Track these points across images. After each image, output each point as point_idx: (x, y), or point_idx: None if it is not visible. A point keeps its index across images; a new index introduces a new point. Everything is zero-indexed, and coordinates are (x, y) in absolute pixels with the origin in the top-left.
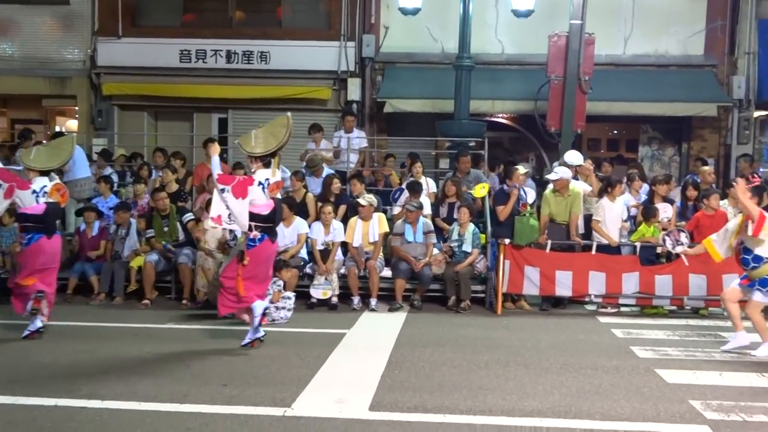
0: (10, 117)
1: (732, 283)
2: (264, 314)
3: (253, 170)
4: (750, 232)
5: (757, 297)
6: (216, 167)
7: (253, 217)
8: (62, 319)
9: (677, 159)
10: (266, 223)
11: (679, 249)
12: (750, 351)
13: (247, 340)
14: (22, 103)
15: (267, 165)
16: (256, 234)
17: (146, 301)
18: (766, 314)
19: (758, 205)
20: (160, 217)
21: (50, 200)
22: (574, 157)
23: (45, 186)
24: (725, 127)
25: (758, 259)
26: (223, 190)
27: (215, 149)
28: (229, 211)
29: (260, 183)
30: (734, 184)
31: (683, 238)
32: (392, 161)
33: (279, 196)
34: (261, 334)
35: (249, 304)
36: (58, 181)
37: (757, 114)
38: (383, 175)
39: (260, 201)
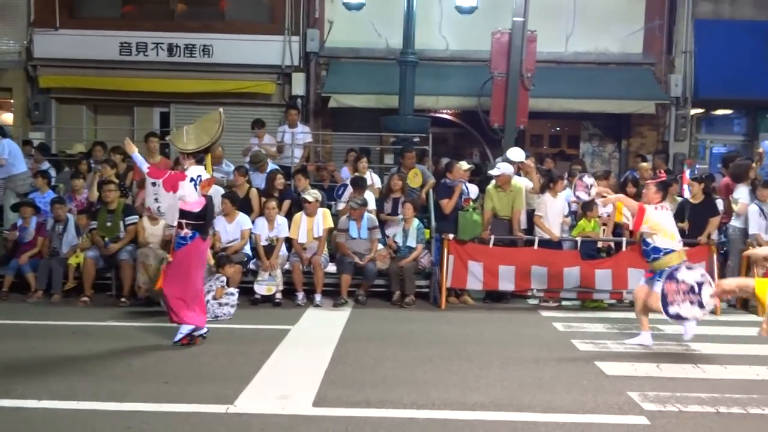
0: None
1: (639, 281)
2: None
3: (185, 167)
4: (631, 226)
5: (658, 288)
6: (142, 163)
7: (184, 214)
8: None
9: (617, 155)
10: (197, 221)
11: (594, 191)
12: (627, 341)
13: (178, 336)
14: None
15: (200, 161)
16: (187, 232)
17: (85, 298)
18: None
19: (662, 199)
20: (106, 211)
21: None
22: (516, 153)
23: None
24: (663, 124)
25: (657, 251)
26: (154, 184)
27: (131, 148)
28: (158, 204)
29: (192, 179)
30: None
31: (587, 179)
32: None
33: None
34: (204, 330)
35: (190, 319)
36: None
37: (693, 111)
38: (328, 171)
39: (191, 198)
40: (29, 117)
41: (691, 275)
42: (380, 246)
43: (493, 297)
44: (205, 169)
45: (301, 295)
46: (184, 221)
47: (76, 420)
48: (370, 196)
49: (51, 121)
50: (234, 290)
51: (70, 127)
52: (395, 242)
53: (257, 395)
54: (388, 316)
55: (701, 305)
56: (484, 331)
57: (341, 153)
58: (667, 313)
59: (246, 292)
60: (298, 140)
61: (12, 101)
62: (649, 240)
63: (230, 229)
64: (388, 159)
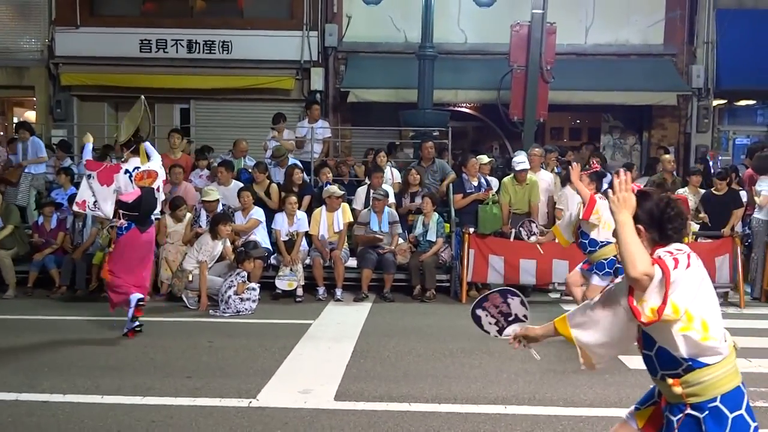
0: None
1: (576, 267)
2: (138, 306)
3: (123, 159)
4: (581, 215)
5: (595, 281)
6: (86, 154)
7: (120, 205)
8: (23, 312)
9: (638, 147)
10: (132, 212)
11: (533, 239)
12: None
13: (124, 330)
14: None
15: (136, 152)
16: (123, 222)
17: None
18: None
19: (597, 191)
20: None
21: None
22: (521, 160)
23: None
24: (685, 115)
25: (594, 243)
26: (89, 176)
27: (88, 138)
28: (94, 198)
29: (127, 171)
30: (571, 168)
31: (534, 228)
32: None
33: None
34: (136, 324)
35: (126, 294)
36: None
37: (715, 103)
38: (348, 166)
39: (126, 189)
40: (51, 114)
41: (517, 307)
42: (401, 240)
43: None
44: (140, 158)
45: (321, 290)
46: (120, 212)
47: (101, 414)
48: (389, 190)
49: (73, 119)
50: (255, 285)
51: (92, 124)
52: (415, 236)
53: (279, 389)
54: (409, 310)
55: (500, 331)
56: None
57: (360, 147)
58: (473, 311)
59: (267, 287)
60: (318, 135)
61: (35, 99)
62: (587, 233)
63: (293, 230)
64: (408, 153)
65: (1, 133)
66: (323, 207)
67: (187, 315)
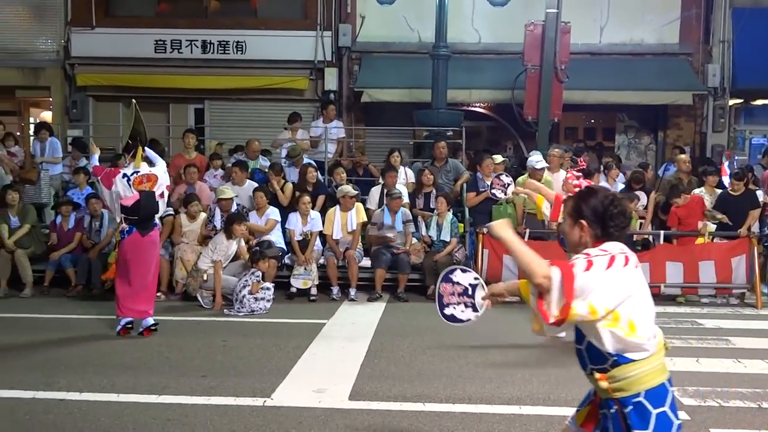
0: None
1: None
2: (150, 329)
3: (127, 164)
4: (548, 217)
5: None
6: (93, 162)
7: (122, 209)
8: (40, 311)
9: (653, 147)
10: (131, 215)
11: (510, 190)
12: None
13: (140, 329)
14: None
15: (133, 156)
16: (124, 226)
17: (156, 325)
18: None
19: None
20: None
21: None
22: (537, 159)
23: None
24: (700, 115)
25: None
26: (98, 180)
27: (94, 150)
28: (102, 201)
29: (125, 175)
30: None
31: (505, 178)
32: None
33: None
34: (151, 323)
35: (133, 311)
36: None
37: (731, 102)
38: (362, 165)
39: (125, 193)
40: (67, 115)
41: (465, 277)
42: (414, 240)
43: None
44: (135, 162)
45: (336, 290)
46: (123, 216)
47: (117, 412)
48: (403, 190)
49: (88, 119)
50: (269, 285)
51: (107, 125)
52: (429, 236)
53: (294, 389)
54: (423, 310)
55: (475, 308)
56: (521, 325)
57: (373, 147)
58: (442, 314)
59: (281, 287)
60: (332, 135)
61: (51, 99)
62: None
63: (261, 222)
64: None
65: (18, 133)
66: (337, 207)
67: (201, 314)
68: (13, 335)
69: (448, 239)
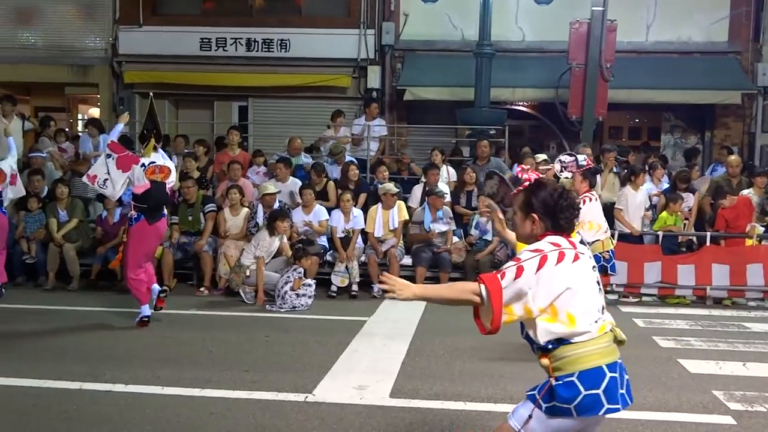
0: (33, 105)
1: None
2: (160, 297)
3: (141, 153)
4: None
5: None
6: (113, 135)
7: (133, 196)
8: (86, 304)
9: (700, 147)
10: (141, 204)
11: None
12: None
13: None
14: (45, 91)
15: (146, 147)
16: (133, 213)
17: (165, 288)
18: None
19: (591, 187)
20: (186, 205)
21: None
22: (581, 158)
23: None
24: (749, 115)
25: (582, 243)
26: (109, 156)
27: (124, 118)
28: (106, 177)
29: (142, 164)
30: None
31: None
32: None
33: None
34: (147, 313)
35: (142, 288)
36: None
37: None
38: (405, 164)
39: (138, 181)
40: (114, 111)
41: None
42: (456, 239)
43: None
44: (145, 153)
45: (376, 287)
46: (133, 203)
47: (161, 405)
48: (445, 189)
49: (134, 116)
50: (311, 281)
51: None
52: (471, 234)
53: (335, 385)
54: (465, 309)
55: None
56: None
57: (416, 146)
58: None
59: (323, 284)
60: (374, 133)
61: (98, 96)
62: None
63: (308, 219)
64: (464, 152)
65: (67, 129)
66: (379, 204)
67: (244, 309)
68: (60, 327)
69: (490, 238)
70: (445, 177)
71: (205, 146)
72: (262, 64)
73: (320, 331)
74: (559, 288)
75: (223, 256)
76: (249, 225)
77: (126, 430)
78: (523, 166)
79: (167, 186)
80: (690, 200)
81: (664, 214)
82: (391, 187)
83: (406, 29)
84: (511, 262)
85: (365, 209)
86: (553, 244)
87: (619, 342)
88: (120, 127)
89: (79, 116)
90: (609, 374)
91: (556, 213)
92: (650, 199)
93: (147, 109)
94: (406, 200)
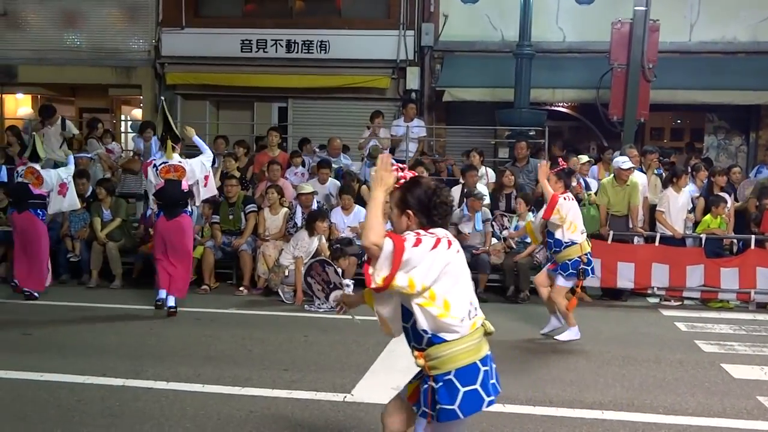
0: (78, 106)
1: (543, 268)
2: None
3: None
4: (541, 214)
5: (560, 281)
6: (154, 153)
7: (154, 194)
8: (128, 302)
9: (745, 149)
10: (159, 201)
11: (505, 233)
12: (555, 336)
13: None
14: (89, 93)
15: (164, 149)
16: (154, 209)
17: (205, 287)
18: None
19: (565, 188)
20: (227, 204)
21: (24, 180)
22: (622, 159)
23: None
24: None
25: (559, 243)
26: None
27: (191, 132)
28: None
29: (155, 165)
30: (539, 165)
31: (506, 222)
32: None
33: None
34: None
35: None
36: (31, 165)
37: None
38: (445, 166)
39: (154, 181)
40: (156, 112)
41: (333, 275)
42: (494, 240)
43: (610, 294)
44: (166, 155)
45: None
46: (155, 200)
47: (202, 402)
48: (484, 190)
49: (177, 117)
50: (349, 282)
51: (194, 122)
52: (510, 239)
53: (373, 385)
54: (502, 311)
55: (327, 297)
56: (601, 328)
57: (455, 147)
58: (305, 278)
59: (361, 284)
60: (413, 134)
61: (141, 97)
62: (553, 232)
63: (348, 221)
64: (503, 153)
65: (110, 130)
66: None
67: (282, 309)
68: (103, 325)
69: (528, 240)
70: (484, 179)
71: (244, 147)
72: (302, 66)
73: (358, 331)
74: (442, 272)
75: (262, 255)
76: (288, 225)
77: (167, 427)
78: (400, 165)
79: (187, 183)
80: (728, 201)
81: (708, 217)
82: None
83: (445, 30)
84: (411, 233)
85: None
86: (445, 233)
87: (488, 334)
88: (150, 146)
89: (122, 117)
90: (482, 369)
91: (431, 210)
92: (692, 201)
93: (160, 115)
94: None
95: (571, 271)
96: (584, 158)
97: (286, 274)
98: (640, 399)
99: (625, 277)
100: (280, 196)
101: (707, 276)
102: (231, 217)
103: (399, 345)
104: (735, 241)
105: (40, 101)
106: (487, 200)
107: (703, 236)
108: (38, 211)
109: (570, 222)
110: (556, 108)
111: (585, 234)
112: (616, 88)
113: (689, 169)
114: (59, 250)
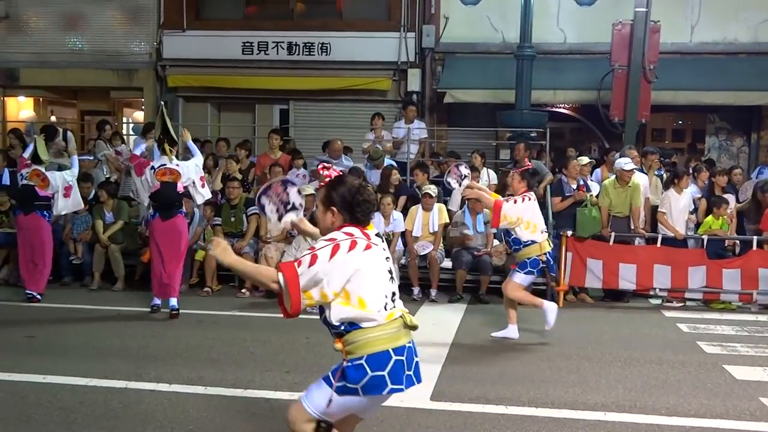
0: (80, 108)
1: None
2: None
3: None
4: (491, 223)
5: (516, 278)
6: (135, 150)
7: (150, 195)
8: (131, 304)
9: (746, 150)
10: (155, 202)
11: (465, 182)
12: (492, 333)
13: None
14: (91, 95)
15: (163, 151)
16: (150, 211)
17: (207, 289)
18: None
19: (528, 188)
20: (229, 206)
21: (29, 182)
22: (625, 160)
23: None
24: None
25: (518, 242)
26: (130, 167)
27: (186, 135)
28: (134, 187)
29: (152, 167)
30: (467, 185)
31: (463, 170)
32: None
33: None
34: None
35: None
36: (36, 167)
37: None
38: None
39: (152, 182)
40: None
41: (294, 196)
42: (496, 242)
43: (612, 296)
44: (168, 156)
45: (417, 290)
46: (150, 202)
47: (204, 404)
48: None
49: (178, 119)
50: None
51: (196, 124)
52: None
53: None
54: (504, 312)
55: (279, 219)
56: (603, 330)
57: (456, 148)
58: (258, 198)
59: None
60: (414, 136)
61: (143, 100)
62: (511, 231)
63: None
64: (504, 155)
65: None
66: (419, 206)
67: None
68: (105, 327)
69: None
70: (486, 180)
71: (246, 149)
72: (303, 68)
73: None
74: (349, 273)
75: (264, 258)
76: (289, 228)
77: (170, 429)
78: (325, 163)
79: (182, 185)
80: (732, 201)
81: (709, 218)
82: (431, 187)
83: (446, 32)
84: (307, 251)
85: (405, 212)
86: (347, 234)
87: (411, 327)
88: (143, 146)
89: (124, 119)
90: (395, 357)
91: (353, 207)
92: (694, 203)
93: (159, 119)
94: (446, 203)
95: (529, 269)
96: (585, 160)
97: None
98: (642, 400)
99: (627, 278)
100: None
101: (709, 277)
102: (233, 219)
103: None
104: (737, 242)
105: (42, 104)
106: None
107: (705, 237)
108: (44, 212)
109: (528, 222)
110: (557, 109)
111: (546, 233)
112: (617, 90)
113: (690, 170)
114: (62, 253)
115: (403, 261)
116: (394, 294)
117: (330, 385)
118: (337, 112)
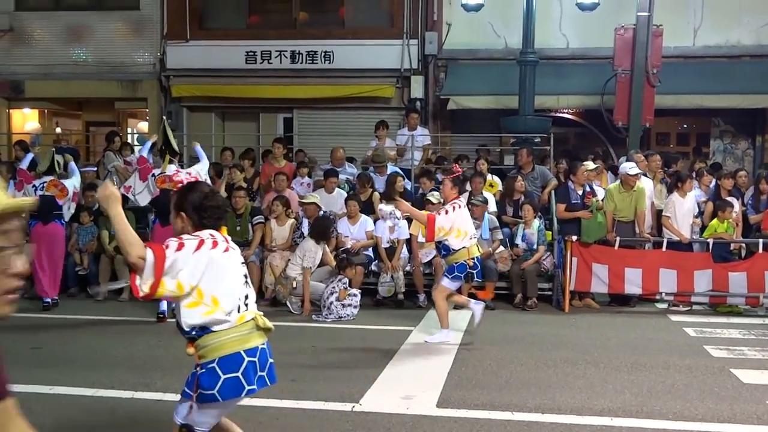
0: (84, 119)
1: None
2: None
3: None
4: (424, 239)
5: (444, 282)
6: (144, 150)
7: (151, 201)
8: (137, 314)
9: (751, 152)
10: (155, 209)
11: (398, 214)
12: (425, 338)
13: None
14: (96, 106)
15: (164, 161)
16: (152, 216)
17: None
18: None
19: (459, 194)
20: (235, 215)
21: (47, 194)
22: (630, 165)
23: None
24: None
25: (447, 248)
26: (136, 169)
27: (153, 136)
28: (135, 189)
29: (153, 174)
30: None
31: (385, 208)
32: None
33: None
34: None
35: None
36: (52, 178)
37: None
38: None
39: (153, 189)
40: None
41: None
42: (501, 248)
43: (618, 300)
44: (163, 167)
45: (422, 297)
46: (153, 207)
47: None
48: (490, 198)
49: (183, 129)
50: (356, 291)
51: (200, 134)
52: (516, 244)
53: (382, 395)
54: (510, 318)
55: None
56: (609, 335)
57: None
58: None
59: (368, 293)
60: (418, 143)
61: (147, 110)
62: (443, 240)
63: (354, 230)
64: (508, 160)
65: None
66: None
67: (290, 319)
68: (112, 337)
69: (535, 247)
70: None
71: (250, 158)
72: (307, 76)
73: (366, 340)
74: (207, 267)
75: (269, 266)
76: (295, 236)
77: None
78: (179, 170)
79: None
80: (736, 205)
81: (714, 221)
82: (433, 195)
83: (449, 38)
84: (173, 239)
85: (409, 218)
86: (210, 234)
87: (265, 329)
88: (149, 144)
89: (129, 130)
90: (247, 359)
91: (201, 212)
92: (699, 206)
93: (161, 131)
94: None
95: (456, 273)
96: (591, 165)
97: (294, 285)
98: (649, 405)
99: (633, 282)
100: (285, 208)
101: (715, 281)
102: (238, 228)
103: (407, 355)
104: (743, 245)
105: (47, 116)
106: (493, 207)
107: (711, 241)
108: (61, 221)
109: (458, 230)
110: (560, 114)
111: (475, 239)
112: (621, 94)
113: (694, 174)
114: (68, 264)
115: (408, 268)
116: (247, 297)
117: (189, 397)
118: (340, 120)
